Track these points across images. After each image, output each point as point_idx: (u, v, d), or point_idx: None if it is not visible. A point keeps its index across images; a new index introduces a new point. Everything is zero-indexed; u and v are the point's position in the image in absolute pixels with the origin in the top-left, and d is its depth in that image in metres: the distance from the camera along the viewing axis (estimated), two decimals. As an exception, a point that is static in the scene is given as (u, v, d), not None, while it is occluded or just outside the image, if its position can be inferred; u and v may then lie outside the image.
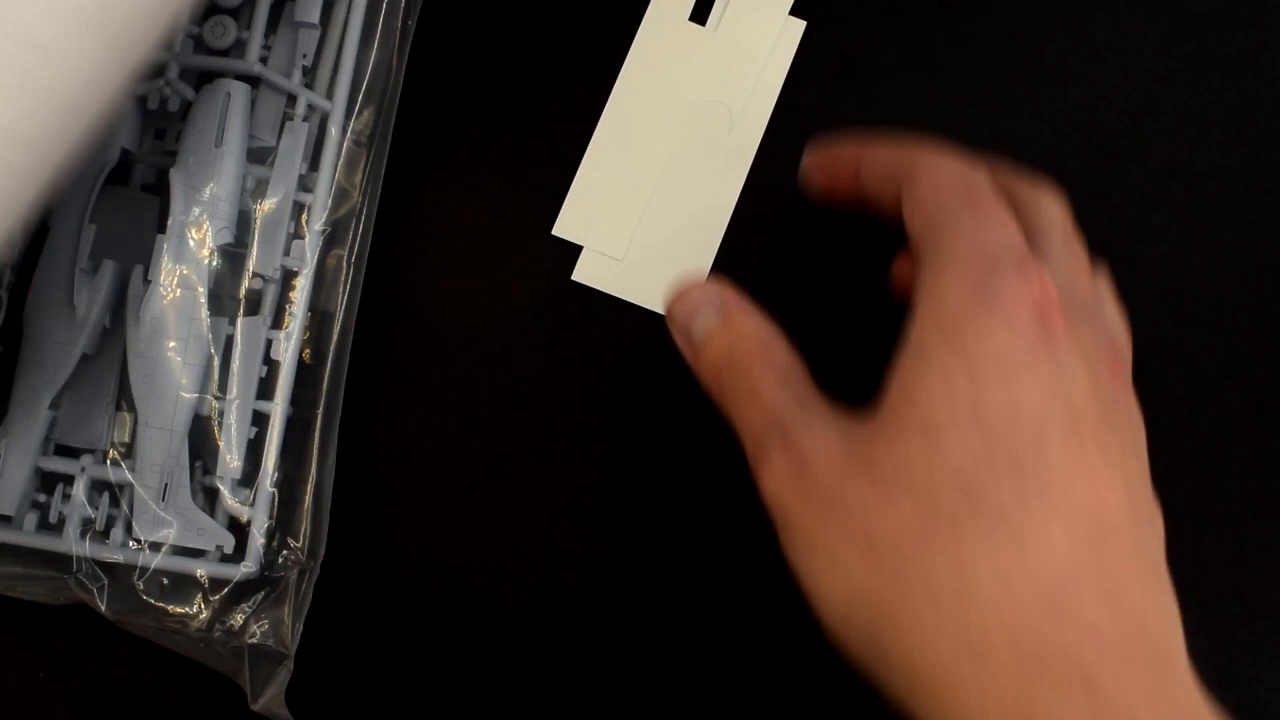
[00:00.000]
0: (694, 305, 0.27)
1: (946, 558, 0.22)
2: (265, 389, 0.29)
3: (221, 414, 0.29)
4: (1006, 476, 0.22)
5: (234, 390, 0.29)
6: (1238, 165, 0.32)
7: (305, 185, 0.31)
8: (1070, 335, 0.23)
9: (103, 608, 0.28)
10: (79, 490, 0.29)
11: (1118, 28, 0.32)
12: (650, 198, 0.31)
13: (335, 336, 0.30)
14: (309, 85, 0.31)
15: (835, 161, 0.29)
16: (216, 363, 0.29)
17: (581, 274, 0.31)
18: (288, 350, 0.29)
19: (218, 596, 0.29)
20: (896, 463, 0.23)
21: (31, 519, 0.29)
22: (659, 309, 0.31)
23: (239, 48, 0.30)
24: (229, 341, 0.29)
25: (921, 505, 0.22)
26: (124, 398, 0.29)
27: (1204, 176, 0.31)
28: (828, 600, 0.23)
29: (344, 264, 0.30)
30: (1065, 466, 0.22)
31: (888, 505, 0.22)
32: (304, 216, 0.30)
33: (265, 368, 0.29)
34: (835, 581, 0.23)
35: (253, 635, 0.28)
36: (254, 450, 0.29)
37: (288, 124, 0.30)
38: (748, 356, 0.26)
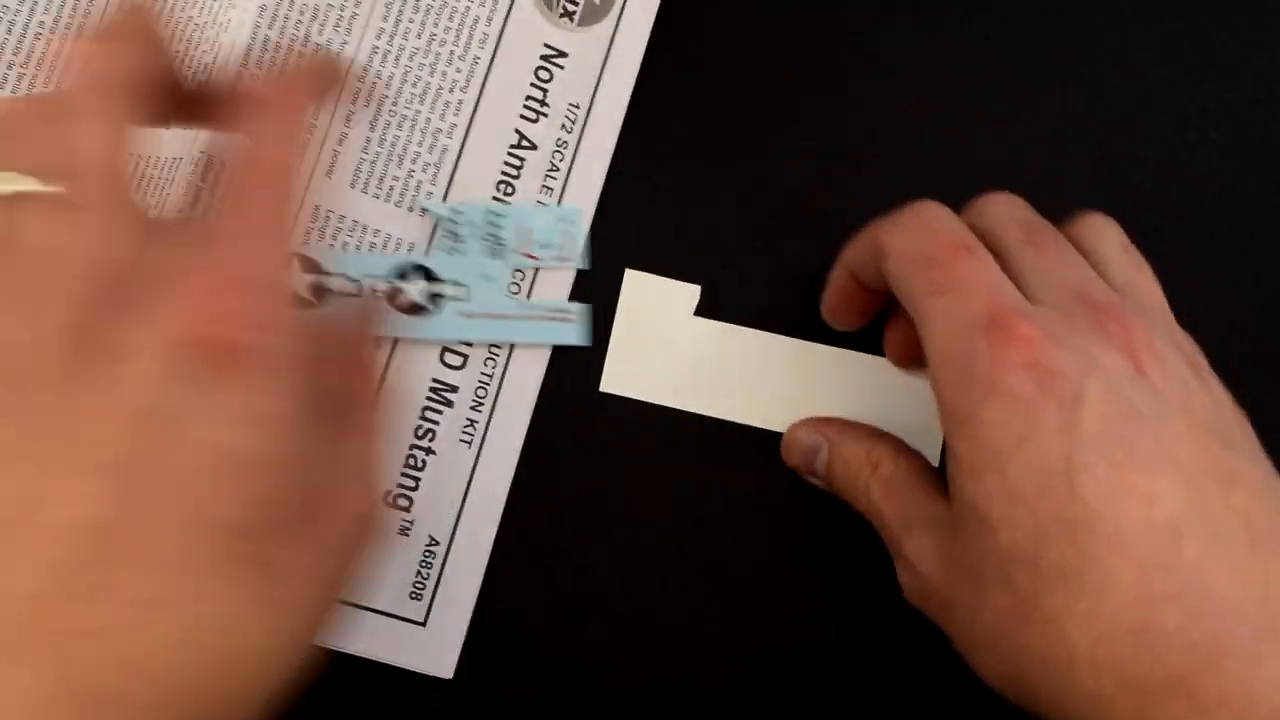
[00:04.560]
0: (807, 451, 0.30)
1: (1044, 634, 0.23)
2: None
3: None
4: (1058, 536, 0.23)
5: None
6: (1235, 168, 0.32)
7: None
8: (1066, 353, 0.23)
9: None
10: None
11: (1117, 29, 0.32)
12: None
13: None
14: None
15: (838, 288, 0.30)
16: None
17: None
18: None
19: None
20: (974, 560, 0.24)
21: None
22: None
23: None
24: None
25: (1008, 592, 0.23)
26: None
27: (1202, 179, 0.32)
28: (989, 682, 0.25)
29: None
30: (1101, 496, 0.23)
31: (983, 598, 0.24)
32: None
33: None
34: (981, 668, 0.25)
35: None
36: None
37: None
38: (859, 478, 0.29)
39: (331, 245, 0.30)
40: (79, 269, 0.19)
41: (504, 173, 0.31)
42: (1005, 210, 0.27)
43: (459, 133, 0.31)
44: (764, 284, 0.31)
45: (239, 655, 0.19)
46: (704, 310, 0.31)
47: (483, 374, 0.30)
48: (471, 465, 0.30)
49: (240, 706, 0.20)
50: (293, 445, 0.20)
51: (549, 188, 0.31)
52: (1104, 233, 0.28)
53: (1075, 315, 0.24)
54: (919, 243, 0.26)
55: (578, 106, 0.31)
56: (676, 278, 0.31)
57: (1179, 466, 0.23)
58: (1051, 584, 0.23)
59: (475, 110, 0.31)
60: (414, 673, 0.30)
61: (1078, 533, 0.23)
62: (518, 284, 0.31)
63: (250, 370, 0.19)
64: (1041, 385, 0.23)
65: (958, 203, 0.31)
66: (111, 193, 0.20)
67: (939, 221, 0.26)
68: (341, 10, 0.30)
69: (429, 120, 0.31)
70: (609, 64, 0.31)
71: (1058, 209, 0.32)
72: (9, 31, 0.31)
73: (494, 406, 0.30)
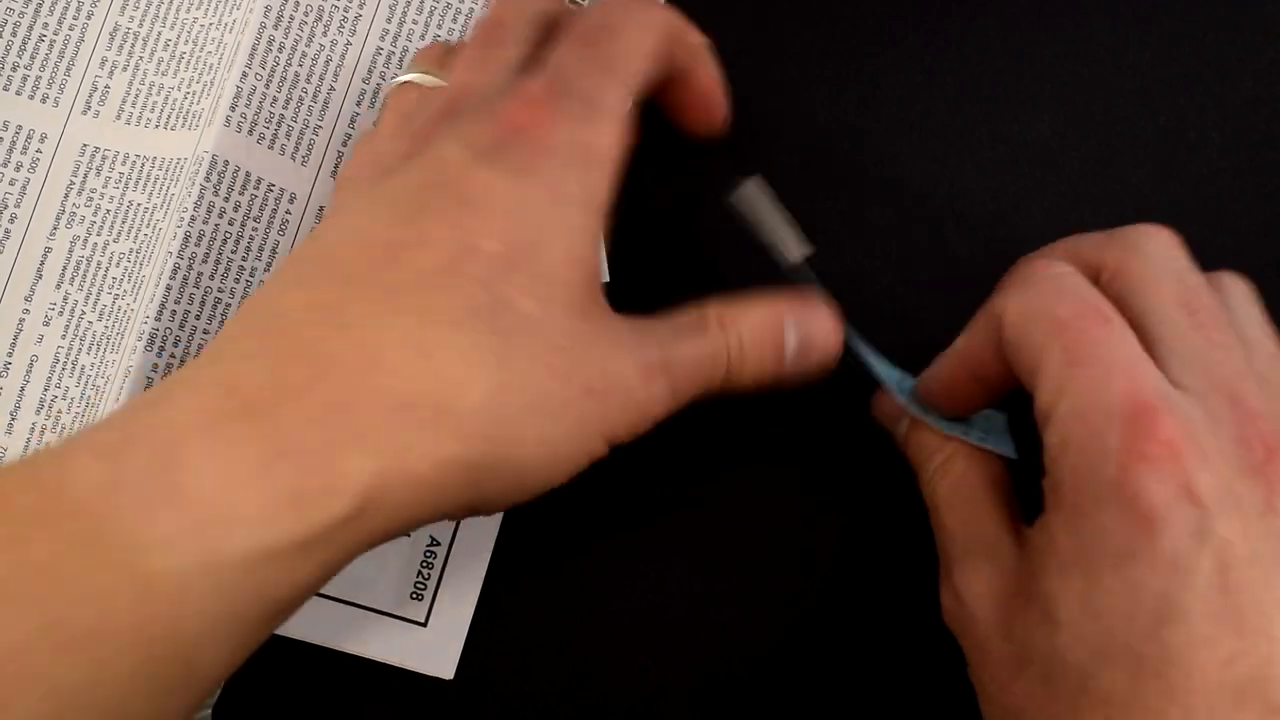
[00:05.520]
0: (892, 414, 0.28)
1: None
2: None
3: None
4: (1121, 667, 0.21)
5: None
6: (1235, 168, 0.32)
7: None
8: (1208, 477, 0.21)
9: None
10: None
11: (1117, 30, 0.32)
12: None
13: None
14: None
15: (946, 379, 0.27)
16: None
17: None
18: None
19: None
20: (1025, 636, 0.23)
21: None
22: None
23: None
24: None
25: (1046, 682, 0.22)
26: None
27: (1202, 179, 0.32)
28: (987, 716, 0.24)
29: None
30: (1183, 645, 0.21)
31: (1019, 670, 0.23)
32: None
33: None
34: (988, 710, 0.24)
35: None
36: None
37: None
38: (929, 463, 0.27)
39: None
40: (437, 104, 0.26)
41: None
42: (1161, 256, 0.24)
43: (462, 133, 0.31)
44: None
45: (456, 384, 0.22)
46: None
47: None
48: (473, 464, 0.30)
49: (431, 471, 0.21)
50: (537, 208, 0.23)
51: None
52: (1245, 305, 0.25)
53: (1221, 419, 0.22)
54: (1044, 304, 0.23)
55: (580, 107, 0.31)
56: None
57: (1274, 623, 0.21)
58: (1094, 706, 0.21)
59: (478, 111, 0.31)
60: (414, 673, 0.29)
61: (1143, 670, 0.21)
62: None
63: (531, 150, 0.23)
64: (1171, 507, 0.21)
65: (958, 203, 0.32)
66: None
67: (1067, 282, 0.24)
68: (346, 11, 0.30)
69: (432, 121, 0.31)
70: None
71: (1058, 208, 0.32)
72: (14, 33, 0.31)
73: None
